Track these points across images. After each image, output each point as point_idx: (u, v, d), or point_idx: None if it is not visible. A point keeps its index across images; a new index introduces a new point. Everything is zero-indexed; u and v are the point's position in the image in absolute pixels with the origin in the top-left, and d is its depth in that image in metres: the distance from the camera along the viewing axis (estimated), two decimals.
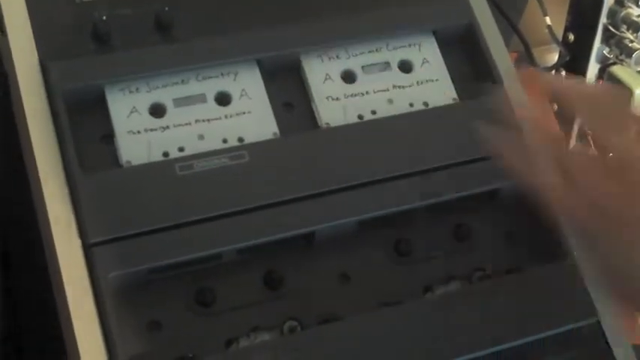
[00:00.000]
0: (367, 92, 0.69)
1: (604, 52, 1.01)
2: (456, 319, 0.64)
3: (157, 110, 0.65)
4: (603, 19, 0.99)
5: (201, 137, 0.65)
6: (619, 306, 0.61)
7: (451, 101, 0.71)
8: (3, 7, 0.65)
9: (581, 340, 0.66)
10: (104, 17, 0.65)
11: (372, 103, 0.69)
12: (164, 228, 0.61)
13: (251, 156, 0.64)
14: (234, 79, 0.67)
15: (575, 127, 1.05)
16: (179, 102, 0.66)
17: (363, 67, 0.70)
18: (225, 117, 0.66)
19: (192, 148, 0.64)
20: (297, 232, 0.63)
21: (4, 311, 0.74)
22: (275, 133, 0.66)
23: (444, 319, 0.63)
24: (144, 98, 0.65)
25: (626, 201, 0.54)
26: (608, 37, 1.00)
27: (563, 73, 1.05)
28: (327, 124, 0.68)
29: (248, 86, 0.67)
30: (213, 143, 0.65)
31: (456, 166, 0.68)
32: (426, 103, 0.70)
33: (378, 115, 0.69)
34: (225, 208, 0.62)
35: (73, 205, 0.60)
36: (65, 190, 0.61)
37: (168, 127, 0.65)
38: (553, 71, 1.05)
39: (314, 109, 0.68)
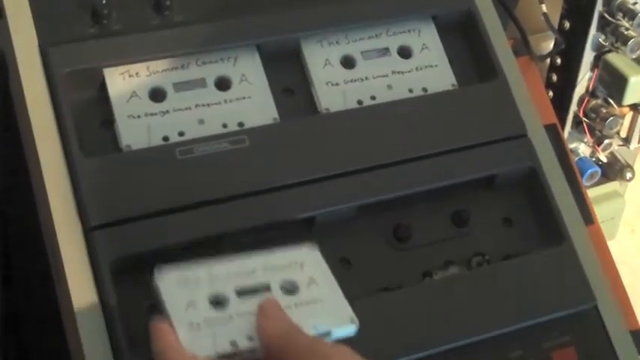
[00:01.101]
0: (367, 78, 0.70)
1: (599, 39, 1.01)
2: (454, 304, 0.64)
3: (157, 95, 0.65)
4: (599, 7, 0.99)
5: (201, 122, 0.65)
6: None
7: (450, 87, 0.71)
8: None
9: (579, 324, 0.66)
10: (104, 0, 0.65)
11: (371, 88, 0.69)
12: (164, 211, 0.61)
13: (251, 141, 0.64)
14: (234, 64, 0.67)
15: (571, 114, 1.06)
16: (179, 86, 0.66)
17: (362, 52, 0.70)
18: (225, 102, 0.66)
19: (193, 132, 0.64)
20: (297, 216, 0.63)
21: (4, 304, 0.74)
22: (275, 118, 0.66)
23: (443, 303, 0.64)
24: (144, 82, 0.65)
25: None
26: (603, 25, 1.00)
27: (559, 60, 1.05)
28: (327, 109, 0.68)
29: (248, 71, 0.67)
30: (214, 128, 0.65)
31: (454, 151, 0.68)
32: (425, 89, 0.70)
33: (378, 101, 0.69)
34: (225, 193, 0.62)
35: (73, 190, 0.60)
36: (65, 175, 0.61)
37: (168, 111, 0.65)
38: (548, 59, 1.05)
39: (314, 94, 0.68)
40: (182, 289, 0.56)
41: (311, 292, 0.58)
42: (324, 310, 0.57)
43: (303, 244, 0.59)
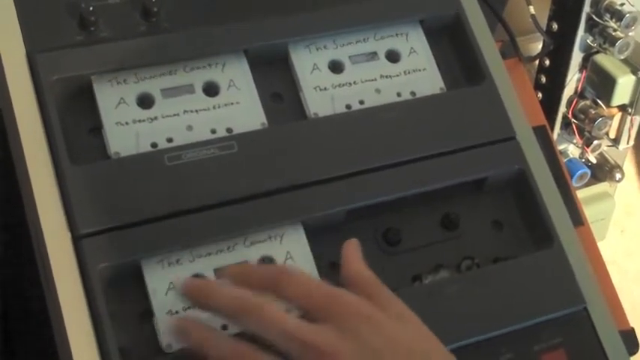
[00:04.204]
0: (355, 82, 0.70)
1: (587, 41, 1.02)
2: (444, 307, 0.64)
3: (145, 101, 0.65)
4: (587, 8, 1.00)
5: (189, 128, 0.65)
6: None
7: (438, 91, 0.71)
8: None
9: (569, 326, 0.66)
10: (91, 7, 0.65)
11: (359, 92, 0.69)
12: (153, 219, 0.61)
13: (240, 146, 0.64)
14: (222, 70, 0.67)
15: (560, 115, 1.06)
16: (167, 93, 0.66)
17: (350, 57, 0.70)
18: (214, 107, 0.66)
19: (181, 138, 0.64)
20: (287, 221, 0.63)
21: None
22: (263, 124, 0.66)
23: (433, 307, 0.64)
24: (132, 89, 0.65)
25: None
26: (591, 26, 1.01)
27: (547, 61, 1.05)
28: (316, 114, 0.68)
29: (236, 77, 0.67)
30: (202, 134, 0.65)
31: (443, 155, 0.68)
32: (413, 93, 0.70)
33: (366, 105, 0.69)
34: (214, 199, 0.62)
35: (61, 197, 0.60)
36: (54, 182, 0.61)
37: (156, 117, 0.65)
38: (537, 60, 1.05)
39: (302, 99, 0.68)
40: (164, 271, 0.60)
41: None
42: None
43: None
